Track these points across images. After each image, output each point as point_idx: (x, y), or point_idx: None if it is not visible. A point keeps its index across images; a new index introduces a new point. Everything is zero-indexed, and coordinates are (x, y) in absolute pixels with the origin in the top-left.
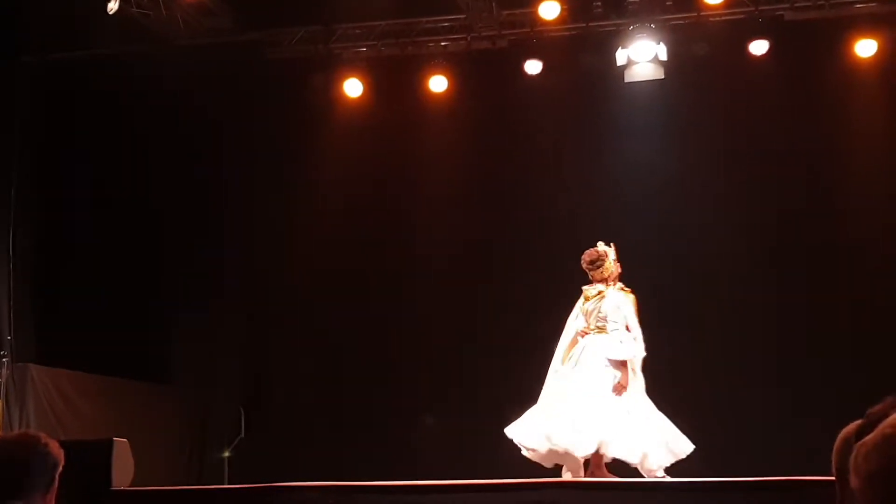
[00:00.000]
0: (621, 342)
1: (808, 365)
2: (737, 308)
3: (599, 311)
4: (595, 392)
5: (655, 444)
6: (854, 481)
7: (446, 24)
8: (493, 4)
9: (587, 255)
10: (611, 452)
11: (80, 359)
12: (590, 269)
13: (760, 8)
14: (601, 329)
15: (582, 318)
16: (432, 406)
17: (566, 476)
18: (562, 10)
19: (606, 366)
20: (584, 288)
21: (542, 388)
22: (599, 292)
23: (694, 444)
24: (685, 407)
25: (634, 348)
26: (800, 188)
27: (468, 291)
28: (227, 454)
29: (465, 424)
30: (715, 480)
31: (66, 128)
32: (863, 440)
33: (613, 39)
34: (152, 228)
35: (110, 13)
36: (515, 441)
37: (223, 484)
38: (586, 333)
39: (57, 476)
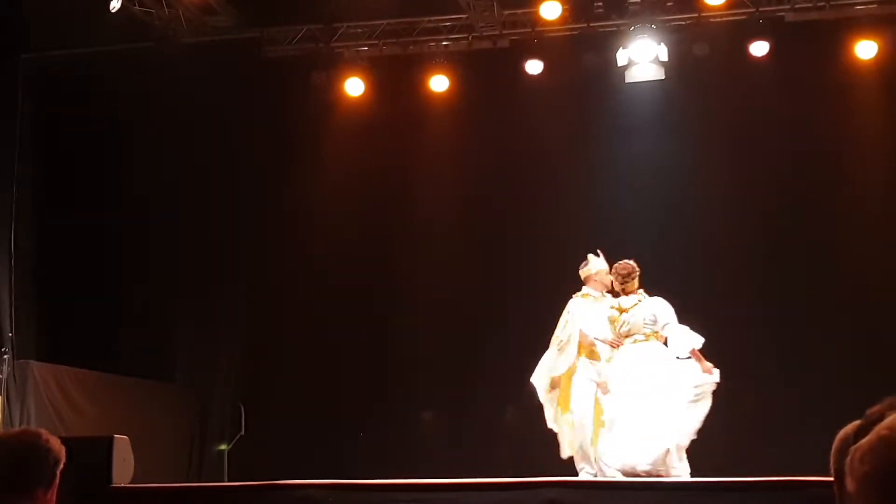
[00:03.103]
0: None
1: (812, 365)
2: (738, 308)
3: (645, 318)
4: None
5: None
6: (850, 484)
7: (448, 24)
8: (495, 4)
9: (622, 269)
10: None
11: (81, 356)
12: (625, 283)
13: (761, 9)
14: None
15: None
16: (432, 404)
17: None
18: (563, 10)
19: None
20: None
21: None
22: (639, 300)
23: (696, 443)
24: None
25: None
26: (800, 188)
27: (470, 291)
28: (223, 447)
29: (466, 423)
30: (713, 480)
31: (68, 125)
32: (858, 443)
33: (614, 40)
34: (153, 226)
35: (113, 11)
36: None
37: (223, 481)
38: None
39: (58, 473)
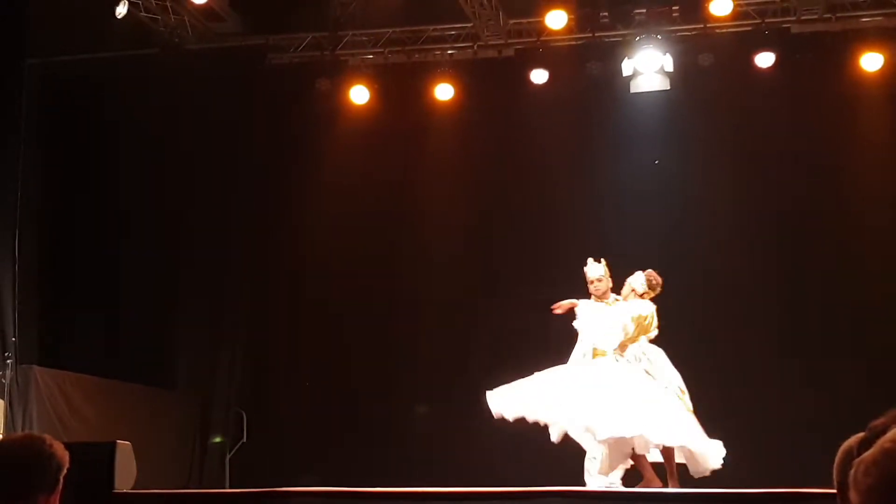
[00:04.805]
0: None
1: (815, 375)
2: (739, 316)
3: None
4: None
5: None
6: (853, 496)
7: (453, 33)
8: (500, 13)
9: None
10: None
11: (83, 361)
12: None
13: (767, 20)
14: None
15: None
16: (434, 411)
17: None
18: (568, 19)
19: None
20: None
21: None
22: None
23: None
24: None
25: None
26: (805, 200)
27: (472, 297)
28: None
29: (468, 429)
30: (716, 492)
31: (72, 130)
32: (862, 455)
33: (620, 50)
34: (156, 232)
35: (119, 17)
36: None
37: (224, 488)
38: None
39: (61, 478)
